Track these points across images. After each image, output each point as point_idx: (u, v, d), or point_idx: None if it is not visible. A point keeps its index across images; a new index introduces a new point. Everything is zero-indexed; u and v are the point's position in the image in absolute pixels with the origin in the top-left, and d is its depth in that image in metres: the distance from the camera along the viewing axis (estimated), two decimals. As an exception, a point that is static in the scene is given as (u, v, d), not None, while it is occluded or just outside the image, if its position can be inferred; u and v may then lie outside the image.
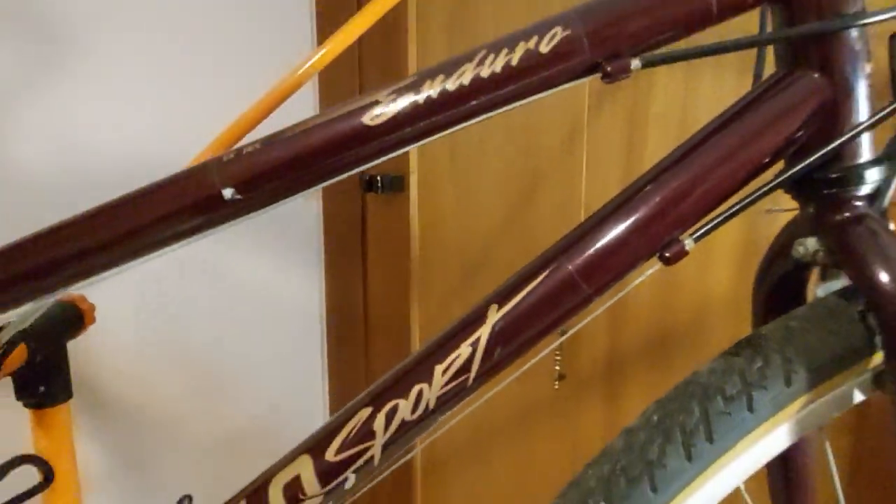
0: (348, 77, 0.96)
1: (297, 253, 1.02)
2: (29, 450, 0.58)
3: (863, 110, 0.34)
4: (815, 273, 0.40)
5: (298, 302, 1.04)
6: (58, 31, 0.82)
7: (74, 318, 0.60)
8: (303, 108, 1.02)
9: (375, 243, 1.01)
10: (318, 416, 1.15)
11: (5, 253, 0.37)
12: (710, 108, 0.76)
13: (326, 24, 0.95)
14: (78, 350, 0.59)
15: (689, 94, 0.80)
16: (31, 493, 0.46)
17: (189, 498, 0.43)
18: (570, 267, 0.35)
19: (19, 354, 0.55)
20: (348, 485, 0.36)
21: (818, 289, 0.40)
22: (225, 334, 1.00)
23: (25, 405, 0.57)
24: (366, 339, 1.06)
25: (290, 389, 1.10)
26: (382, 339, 1.06)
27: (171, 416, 1.00)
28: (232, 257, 0.97)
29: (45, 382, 0.58)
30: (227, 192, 0.34)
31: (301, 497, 0.36)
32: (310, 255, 1.03)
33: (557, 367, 0.91)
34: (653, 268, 0.35)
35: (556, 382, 0.92)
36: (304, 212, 1.00)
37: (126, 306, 0.95)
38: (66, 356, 0.60)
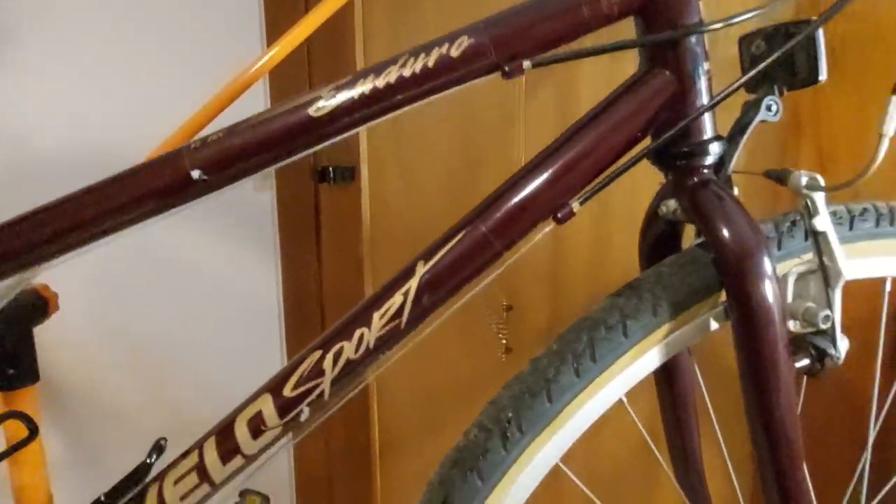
0: (297, 75, 0.98)
1: (253, 242, 1.02)
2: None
3: (704, 98, 0.42)
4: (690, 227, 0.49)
5: (255, 289, 1.04)
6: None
7: (40, 305, 0.64)
8: (255, 103, 1.03)
9: (329, 231, 1.03)
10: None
11: None
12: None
13: (274, 26, 0.96)
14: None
15: (614, 78, 0.86)
16: (19, 446, 0.51)
17: (164, 440, 0.49)
18: (483, 228, 0.42)
19: (-11, 340, 0.60)
20: (303, 417, 0.43)
21: (694, 240, 0.48)
22: (182, 324, 1.00)
23: (-6, 387, 0.61)
24: (322, 324, 1.06)
25: (248, 377, 1.07)
26: (338, 323, 1.11)
27: (126, 404, 0.99)
28: (188, 247, 0.97)
29: (14, 365, 0.62)
30: (196, 174, 0.41)
31: (263, 428, 0.43)
32: (265, 245, 1.03)
33: (504, 341, 0.96)
34: (548, 227, 0.44)
35: (503, 355, 0.96)
36: (258, 202, 1.00)
37: (80, 296, 0.94)
38: (32, 341, 0.63)
